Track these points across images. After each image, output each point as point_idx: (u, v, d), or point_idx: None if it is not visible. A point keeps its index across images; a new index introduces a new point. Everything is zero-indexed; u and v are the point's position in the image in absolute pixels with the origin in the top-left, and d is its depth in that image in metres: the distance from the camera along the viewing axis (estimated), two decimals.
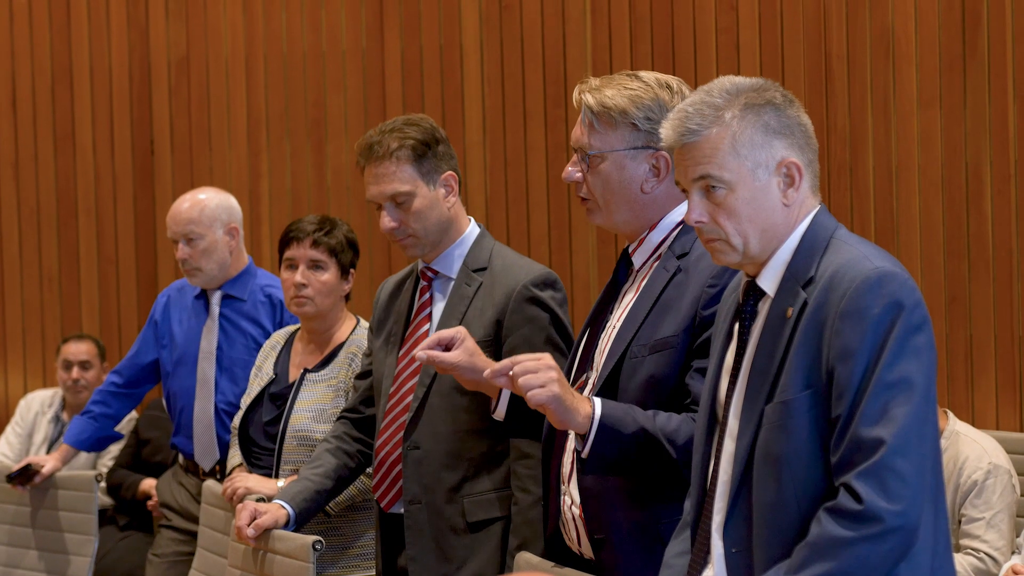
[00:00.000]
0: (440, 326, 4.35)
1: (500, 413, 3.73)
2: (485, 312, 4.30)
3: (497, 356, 4.25)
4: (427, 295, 4.44)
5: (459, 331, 3.69)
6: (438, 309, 4.42)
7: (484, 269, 4.38)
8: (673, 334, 3.49)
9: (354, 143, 7.70)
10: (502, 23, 7.46)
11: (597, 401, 3.43)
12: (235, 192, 7.74)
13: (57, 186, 8.22)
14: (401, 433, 4.38)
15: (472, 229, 4.47)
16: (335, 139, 7.75)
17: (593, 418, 3.41)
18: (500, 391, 3.71)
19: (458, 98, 7.52)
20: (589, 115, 3.63)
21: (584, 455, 3.44)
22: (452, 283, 4.40)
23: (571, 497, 3.59)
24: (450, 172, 4.42)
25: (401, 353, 4.45)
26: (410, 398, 4.39)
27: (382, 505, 4.46)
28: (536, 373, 3.37)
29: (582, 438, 3.43)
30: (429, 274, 4.46)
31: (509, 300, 4.29)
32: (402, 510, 4.38)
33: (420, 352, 3.68)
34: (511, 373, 3.39)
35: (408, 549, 4.36)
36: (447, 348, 3.69)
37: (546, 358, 3.40)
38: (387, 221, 4.37)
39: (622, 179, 3.63)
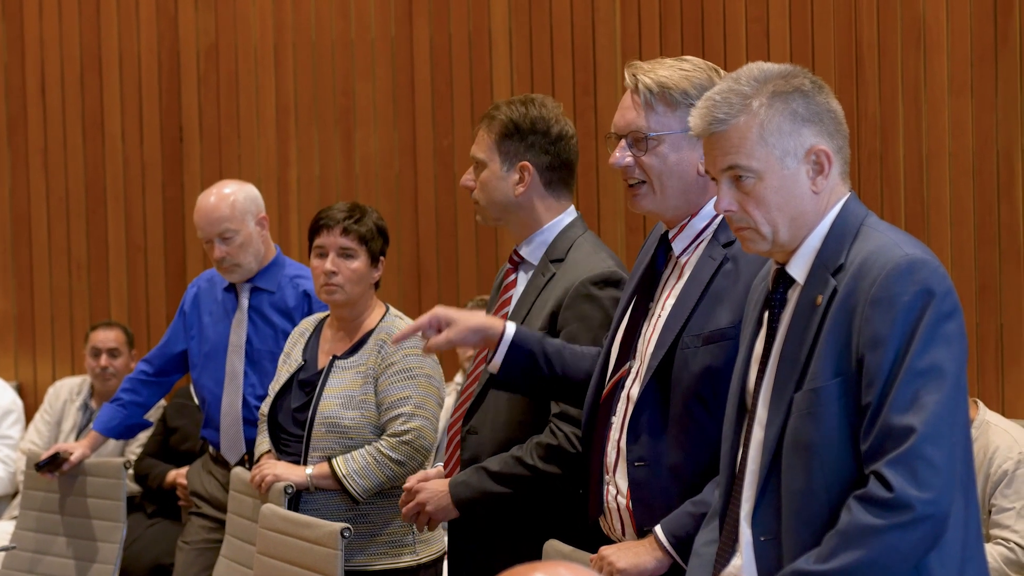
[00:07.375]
0: (512, 315, 4.27)
1: (495, 365, 3.78)
2: (546, 305, 4.19)
3: None
4: (512, 277, 4.37)
5: (434, 313, 3.81)
6: (517, 295, 4.39)
7: (561, 260, 4.27)
8: (729, 325, 3.47)
9: (382, 132, 7.74)
10: (531, 11, 7.44)
11: None
12: (263, 180, 7.76)
13: (86, 174, 8.24)
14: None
15: (562, 218, 4.33)
16: (363, 127, 7.75)
17: None
18: (499, 342, 3.80)
19: (487, 86, 7.51)
20: (648, 95, 3.59)
21: None
22: (533, 271, 4.33)
23: (616, 487, 3.58)
24: (526, 163, 4.36)
25: None
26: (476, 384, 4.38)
27: None
28: None
29: None
30: (515, 259, 4.40)
31: (566, 295, 4.17)
32: None
33: (392, 344, 3.77)
34: None
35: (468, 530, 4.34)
36: (439, 329, 3.79)
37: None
38: (465, 178, 4.40)
39: (680, 161, 3.60)
